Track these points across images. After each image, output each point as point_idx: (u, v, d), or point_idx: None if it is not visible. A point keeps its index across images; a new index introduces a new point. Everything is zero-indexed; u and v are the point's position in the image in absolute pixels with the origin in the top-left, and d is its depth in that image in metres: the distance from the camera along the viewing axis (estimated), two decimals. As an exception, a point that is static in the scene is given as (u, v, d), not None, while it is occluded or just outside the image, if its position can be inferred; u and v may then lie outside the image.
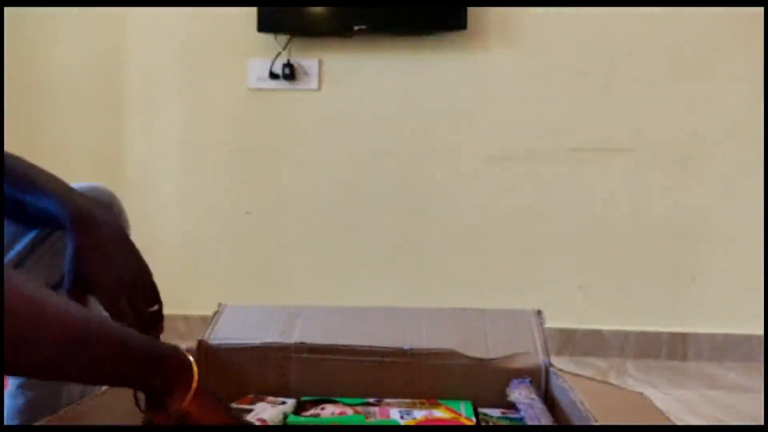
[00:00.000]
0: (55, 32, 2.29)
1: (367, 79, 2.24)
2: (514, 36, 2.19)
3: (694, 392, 1.81)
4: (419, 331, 1.09)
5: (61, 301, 0.57)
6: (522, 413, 0.93)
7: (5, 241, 0.88)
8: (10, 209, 0.84)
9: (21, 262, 0.87)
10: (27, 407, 0.96)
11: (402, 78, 2.23)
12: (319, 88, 2.24)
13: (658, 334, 2.17)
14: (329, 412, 0.95)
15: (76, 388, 0.99)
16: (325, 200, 2.27)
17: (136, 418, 0.85)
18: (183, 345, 1.02)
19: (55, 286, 0.93)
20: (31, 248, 0.89)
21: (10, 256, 0.87)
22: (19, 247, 0.88)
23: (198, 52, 2.27)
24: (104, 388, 0.93)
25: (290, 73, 2.20)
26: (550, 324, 1.15)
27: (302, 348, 1.04)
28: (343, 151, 2.25)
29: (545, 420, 0.89)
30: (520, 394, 0.96)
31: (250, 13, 2.17)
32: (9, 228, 0.88)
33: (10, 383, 0.98)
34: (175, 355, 0.66)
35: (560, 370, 0.99)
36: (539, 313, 1.12)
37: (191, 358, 0.67)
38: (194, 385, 0.65)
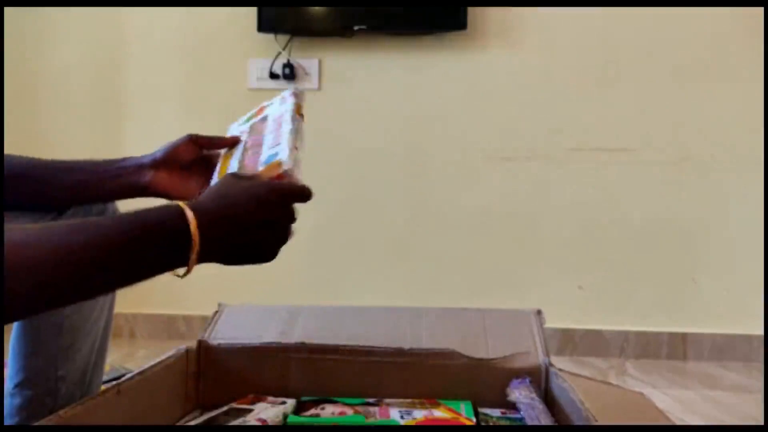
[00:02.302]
0: (55, 32, 2.29)
1: (367, 79, 2.24)
2: (514, 36, 2.19)
3: (694, 392, 1.81)
4: (419, 331, 1.09)
5: (20, 237, 0.56)
6: (522, 413, 0.93)
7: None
8: (30, 195, 0.88)
9: None
10: (24, 407, 0.96)
11: (402, 78, 2.23)
12: (319, 88, 2.24)
13: (658, 334, 2.17)
14: (329, 412, 0.96)
15: (75, 388, 0.99)
16: (324, 200, 2.26)
17: (136, 418, 0.85)
18: (183, 345, 1.03)
19: None
20: None
21: None
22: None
23: (198, 52, 2.27)
24: (103, 387, 0.93)
25: (290, 73, 2.20)
26: (550, 324, 1.15)
27: (302, 348, 1.04)
28: (343, 151, 2.25)
29: (545, 420, 0.89)
30: (520, 394, 0.96)
31: (250, 13, 2.17)
32: (23, 219, 0.88)
33: (7, 383, 0.98)
34: (164, 227, 0.64)
35: (560, 370, 0.99)
36: (539, 313, 1.12)
37: (187, 215, 0.64)
38: (195, 250, 0.64)
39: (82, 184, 0.90)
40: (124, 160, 0.92)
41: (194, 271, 0.67)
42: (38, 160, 0.92)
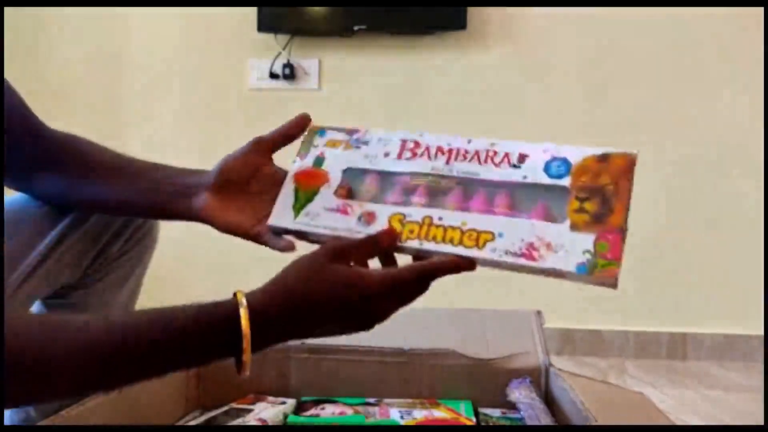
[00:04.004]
0: (56, 32, 2.29)
1: (367, 79, 2.24)
2: (514, 36, 2.19)
3: (694, 392, 1.81)
4: (419, 331, 1.09)
5: (70, 328, 0.54)
6: (522, 413, 0.93)
7: (37, 223, 0.85)
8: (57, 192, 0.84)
9: (48, 254, 0.84)
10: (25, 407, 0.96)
11: (402, 78, 2.23)
12: (319, 88, 2.24)
13: (658, 334, 2.17)
14: (329, 412, 0.96)
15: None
16: (325, 200, 2.27)
17: (137, 418, 0.85)
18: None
19: (75, 286, 0.93)
20: (59, 239, 0.85)
21: (44, 242, 0.83)
22: (53, 233, 0.85)
23: (198, 52, 2.27)
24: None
25: (290, 73, 2.20)
26: (550, 324, 1.15)
27: (302, 348, 1.04)
28: (343, 151, 2.25)
29: (545, 420, 0.89)
30: (520, 394, 0.96)
31: (250, 13, 2.17)
32: (42, 211, 0.86)
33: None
34: (211, 328, 0.60)
35: (560, 370, 0.99)
36: (539, 313, 1.12)
37: (240, 311, 0.60)
38: (246, 348, 0.60)
39: (130, 194, 0.78)
40: (189, 174, 0.76)
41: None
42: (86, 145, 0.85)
